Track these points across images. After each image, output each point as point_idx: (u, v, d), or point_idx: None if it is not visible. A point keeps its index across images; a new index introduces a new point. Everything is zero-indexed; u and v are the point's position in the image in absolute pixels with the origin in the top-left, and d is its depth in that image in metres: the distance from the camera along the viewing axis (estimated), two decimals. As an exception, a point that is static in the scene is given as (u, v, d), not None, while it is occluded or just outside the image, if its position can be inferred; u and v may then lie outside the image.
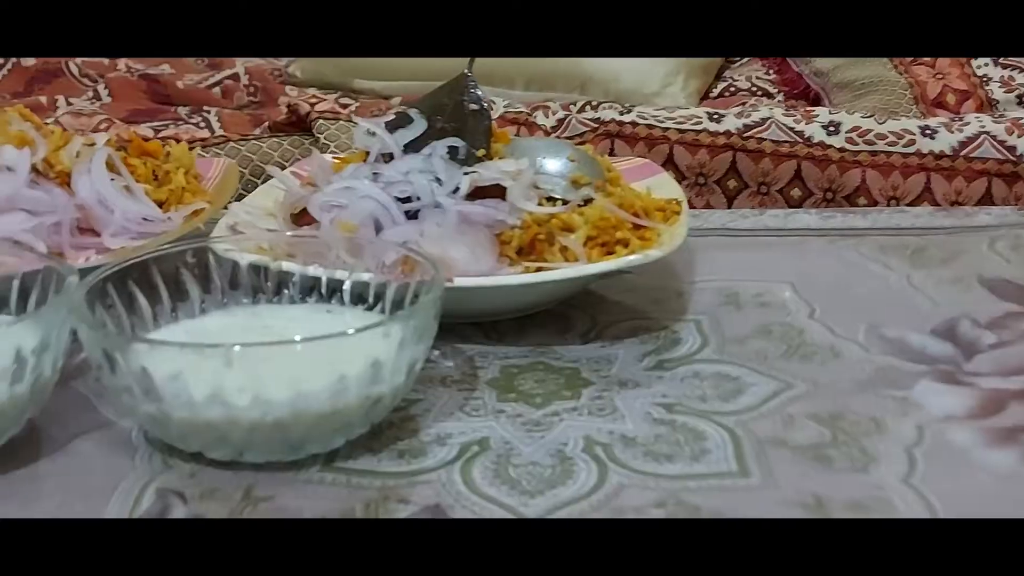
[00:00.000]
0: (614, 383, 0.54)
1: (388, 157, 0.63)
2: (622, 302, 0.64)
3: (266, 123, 1.10)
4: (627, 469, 0.47)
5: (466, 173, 0.60)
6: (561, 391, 0.53)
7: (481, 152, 0.63)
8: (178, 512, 0.44)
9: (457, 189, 0.60)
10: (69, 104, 1.45)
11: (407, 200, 0.60)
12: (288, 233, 0.61)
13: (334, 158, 0.70)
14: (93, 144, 0.65)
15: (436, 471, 0.47)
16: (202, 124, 1.38)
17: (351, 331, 0.46)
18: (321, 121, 1.03)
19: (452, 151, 0.62)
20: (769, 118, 1.00)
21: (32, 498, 0.45)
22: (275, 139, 1.05)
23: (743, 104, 1.44)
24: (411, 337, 0.47)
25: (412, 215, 0.60)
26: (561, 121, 1.07)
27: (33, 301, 0.51)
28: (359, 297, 0.55)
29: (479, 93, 0.66)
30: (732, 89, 1.56)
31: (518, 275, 0.57)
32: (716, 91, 1.58)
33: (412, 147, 0.63)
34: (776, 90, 1.55)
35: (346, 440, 0.48)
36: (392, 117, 0.65)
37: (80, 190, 0.61)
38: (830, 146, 0.97)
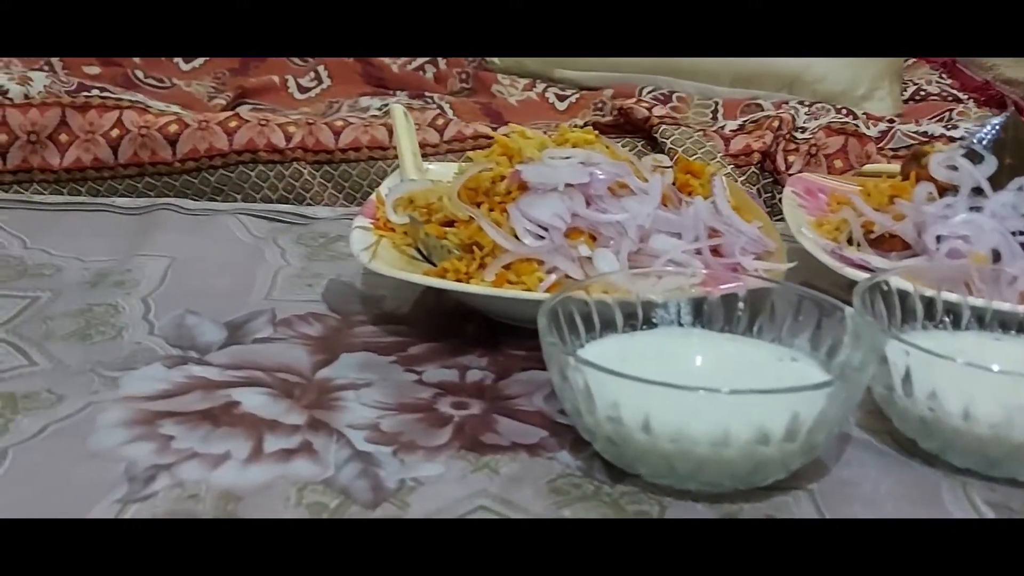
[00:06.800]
0: None
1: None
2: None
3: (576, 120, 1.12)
4: None
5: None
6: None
7: (1054, 188, 0.67)
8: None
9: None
10: (300, 86, 1.46)
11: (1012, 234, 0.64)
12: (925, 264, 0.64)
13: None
14: (668, 167, 0.68)
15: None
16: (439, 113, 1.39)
17: None
18: (664, 127, 1.06)
19: (1034, 187, 0.66)
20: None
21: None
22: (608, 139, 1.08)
23: (949, 111, 1.49)
24: None
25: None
26: (884, 133, 1.11)
27: (765, 322, 0.56)
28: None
29: (1036, 130, 0.69)
30: (922, 93, 1.61)
31: None
32: (906, 95, 1.64)
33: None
34: (966, 96, 1.60)
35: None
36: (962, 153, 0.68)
37: (701, 212, 0.63)
38: None
